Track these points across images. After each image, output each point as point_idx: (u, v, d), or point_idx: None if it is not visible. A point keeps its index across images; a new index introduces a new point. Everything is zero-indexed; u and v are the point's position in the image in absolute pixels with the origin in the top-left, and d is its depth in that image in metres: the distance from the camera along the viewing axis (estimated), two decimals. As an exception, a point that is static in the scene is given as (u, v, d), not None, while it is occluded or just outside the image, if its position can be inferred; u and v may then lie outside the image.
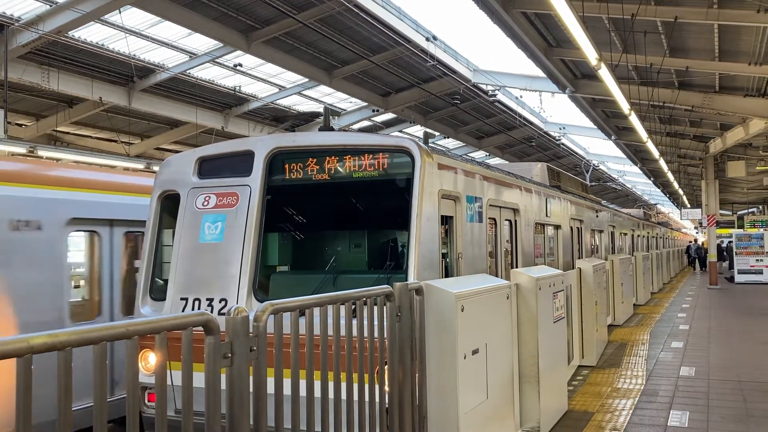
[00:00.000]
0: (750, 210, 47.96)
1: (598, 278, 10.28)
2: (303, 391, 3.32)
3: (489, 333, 5.01)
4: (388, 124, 26.37)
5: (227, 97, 20.51)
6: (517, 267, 8.45)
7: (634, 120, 16.01)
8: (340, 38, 16.38)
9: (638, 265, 18.39)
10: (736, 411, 6.97)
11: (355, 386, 3.74)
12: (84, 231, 7.30)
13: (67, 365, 2.07)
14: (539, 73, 17.72)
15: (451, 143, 30.02)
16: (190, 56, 17.14)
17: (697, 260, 41.01)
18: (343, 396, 3.63)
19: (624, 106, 14.21)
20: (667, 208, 71.35)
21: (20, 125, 19.66)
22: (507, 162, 30.98)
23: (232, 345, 2.76)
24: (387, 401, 4.08)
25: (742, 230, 31.05)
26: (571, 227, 12.47)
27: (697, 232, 66.62)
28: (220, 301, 5.73)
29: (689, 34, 13.74)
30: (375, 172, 5.77)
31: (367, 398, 3.86)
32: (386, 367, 4.07)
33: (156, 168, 8.23)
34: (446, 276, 6.08)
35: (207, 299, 5.78)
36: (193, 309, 5.79)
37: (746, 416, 6.76)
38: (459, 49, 32.71)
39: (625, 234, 22.01)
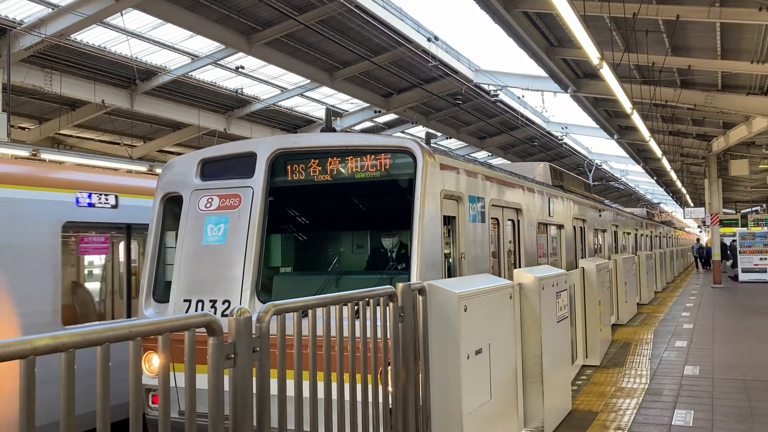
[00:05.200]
0: (753, 209, 47.84)
1: (601, 278, 10.26)
2: (306, 392, 3.32)
3: (492, 333, 5.01)
4: (389, 125, 26.37)
5: (229, 99, 20.53)
6: (520, 267, 8.44)
7: (637, 119, 15.99)
8: (341, 39, 16.39)
9: (641, 265, 18.36)
10: (741, 410, 6.96)
11: (359, 387, 3.74)
12: None
13: (69, 367, 2.07)
14: (541, 72, 17.69)
15: (453, 143, 30.02)
16: (192, 58, 17.16)
17: (698, 260, 40.92)
18: (347, 397, 3.63)
19: (626, 105, 14.19)
20: (671, 207, 71.23)
21: (23, 128, 19.71)
22: (509, 162, 30.96)
23: (235, 346, 2.76)
24: (390, 402, 4.07)
25: (745, 229, 30.98)
26: (574, 227, 12.45)
27: (700, 231, 66.48)
28: (223, 303, 5.74)
29: (691, 33, 13.72)
30: (377, 173, 5.77)
31: (370, 399, 3.86)
32: (389, 367, 4.07)
33: (159, 170, 8.28)
34: (449, 276, 6.08)
35: (210, 301, 5.79)
36: (196, 310, 5.80)
37: (750, 415, 6.75)
38: (460, 50, 32.64)
39: (628, 233, 21.97)
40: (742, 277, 27.46)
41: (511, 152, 34.37)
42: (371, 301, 3.92)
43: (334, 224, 6.89)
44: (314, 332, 3.35)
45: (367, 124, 24.97)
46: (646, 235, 27.81)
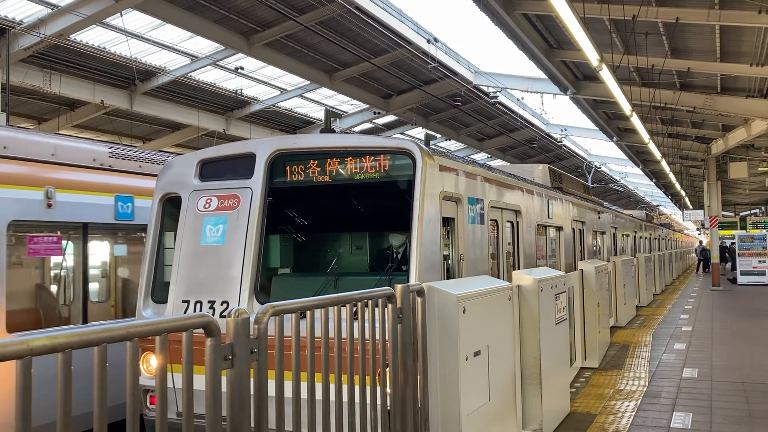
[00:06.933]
0: (752, 211, 47.88)
1: (600, 280, 10.26)
2: (304, 394, 3.31)
3: (491, 335, 5.00)
4: (389, 126, 26.38)
5: (229, 100, 20.54)
6: (518, 268, 8.43)
7: (636, 121, 16.00)
8: (341, 41, 16.40)
9: (640, 267, 18.36)
10: (739, 412, 6.95)
11: (357, 388, 3.73)
12: None
13: (66, 367, 2.06)
14: (540, 74, 17.72)
15: (452, 145, 30.02)
16: (192, 59, 17.17)
17: (701, 262, 40.91)
18: (345, 398, 3.62)
19: (625, 107, 14.20)
20: (669, 210, 71.27)
21: (22, 128, 19.68)
22: (508, 164, 30.97)
23: (233, 347, 2.75)
24: (389, 403, 4.07)
25: (744, 231, 31.00)
26: (573, 229, 12.45)
27: (699, 234, 66.46)
28: (221, 304, 5.73)
29: (690, 35, 13.73)
30: (376, 174, 5.76)
31: (368, 400, 3.85)
32: (388, 369, 4.06)
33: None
34: (448, 278, 6.07)
35: (209, 302, 5.78)
36: (194, 311, 5.78)
37: (749, 418, 6.74)
38: (460, 51, 32.75)
39: (627, 235, 21.98)
40: (741, 279, 27.47)
41: (511, 154, 34.39)
42: (370, 302, 3.91)
43: (333, 225, 6.88)
44: (312, 333, 3.34)
45: (367, 126, 24.98)
46: (645, 238, 27.82)
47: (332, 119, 6.87)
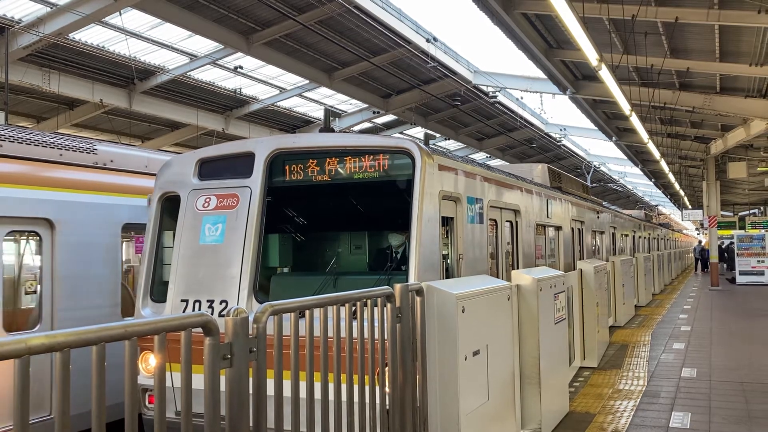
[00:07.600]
0: (751, 211, 47.90)
1: (599, 279, 10.26)
2: (303, 393, 3.30)
3: (490, 334, 5.00)
4: (388, 126, 26.37)
5: (228, 99, 20.52)
6: (518, 268, 8.43)
7: (635, 121, 16.00)
8: (340, 40, 16.39)
9: (639, 267, 18.37)
10: (738, 412, 6.95)
11: (356, 388, 3.73)
12: None
13: (65, 366, 2.06)
14: (540, 74, 17.72)
15: (451, 145, 30.02)
16: (191, 58, 17.15)
17: (699, 261, 40.92)
18: (344, 398, 3.62)
19: (625, 107, 14.20)
20: (669, 210, 71.30)
21: (21, 128, 19.64)
22: (508, 163, 30.98)
23: (232, 346, 2.75)
24: (388, 403, 4.06)
25: (743, 231, 31.01)
26: (572, 228, 12.45)
27: (698, 233, 66.48)
28: (220, 303, 5.73)
29: (690, 35, 13.73)
30: (375, 174, 5.76)
31: (367, 400, 3.85)
32: (387, 368, 4.06)
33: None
34: (447, 277, 6.07)
35: (207, 301, 5.78)
36: (193, 311, 5.78)
37: (748, 417, 6.74)
38: (459, 51, 32.71)
39: (626, 235, 21.99)
40: (740, 279, 27.48)
41: (510, 154, 34.39)
42: (369, 301, 3.91)
43: (333, 225, 6.88)
44: (311, 333, 3.33)
45: (366, 125, 24.97)
46: (644, 237, 27.83)
47: (331, 118, 6.87)
